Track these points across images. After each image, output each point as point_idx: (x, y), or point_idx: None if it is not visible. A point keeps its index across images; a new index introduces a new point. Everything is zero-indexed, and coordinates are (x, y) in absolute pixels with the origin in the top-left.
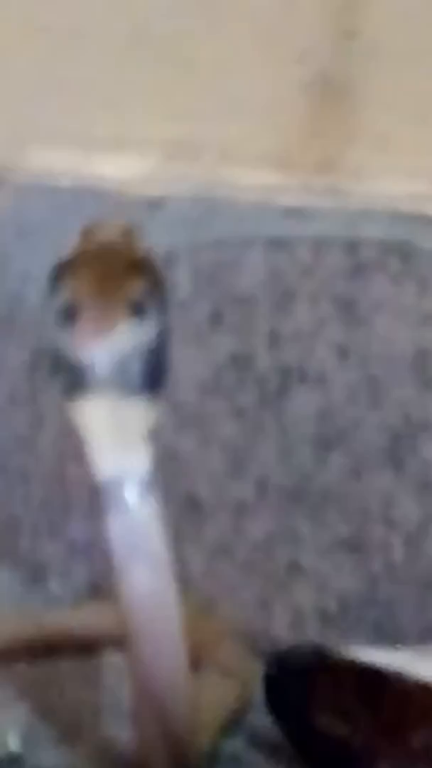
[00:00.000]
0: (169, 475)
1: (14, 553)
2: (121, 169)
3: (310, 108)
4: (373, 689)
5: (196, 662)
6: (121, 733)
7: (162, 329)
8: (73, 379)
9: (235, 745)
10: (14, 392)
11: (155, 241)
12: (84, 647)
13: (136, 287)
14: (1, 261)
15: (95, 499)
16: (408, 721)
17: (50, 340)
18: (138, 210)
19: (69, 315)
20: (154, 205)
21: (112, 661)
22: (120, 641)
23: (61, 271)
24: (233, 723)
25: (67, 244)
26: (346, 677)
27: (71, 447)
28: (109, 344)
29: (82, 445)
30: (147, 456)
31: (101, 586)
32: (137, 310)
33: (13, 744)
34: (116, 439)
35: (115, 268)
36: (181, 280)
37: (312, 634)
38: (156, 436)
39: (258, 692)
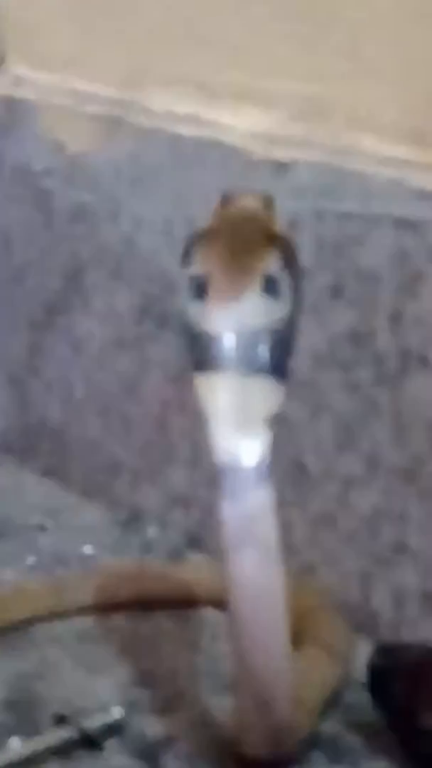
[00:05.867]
0: (277, 441)
1: (112, 495)
2: (244, 122)
3: None
4: None
5: (296, 637)
6: (220, 700)
7: (294, 309)
8: (201, 353)
9: (333, 726)
10: (121, 336)
11: (279, 205)
12: (182, 604)
13: (271, 262)
14: (115, 205)
15: (196, 449)
16: None
17: (181, 312)
18: (263, 172)
19: (200, 287)
20: (280, 167)
21: (208, 619)
22: (217, 601)
23: (196, 242)
24: (332, 701)
25: (184, 194)
26: None
27: (176, 395)
28: (239, 317)
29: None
30: (266, 442)
31: (198, 536)
32: (269, 285)
33: (117, 712)
34: (238, 421)
35: (251, 240)
36: (303, 249)
37: (413, 615)
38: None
39: (356, 669)
